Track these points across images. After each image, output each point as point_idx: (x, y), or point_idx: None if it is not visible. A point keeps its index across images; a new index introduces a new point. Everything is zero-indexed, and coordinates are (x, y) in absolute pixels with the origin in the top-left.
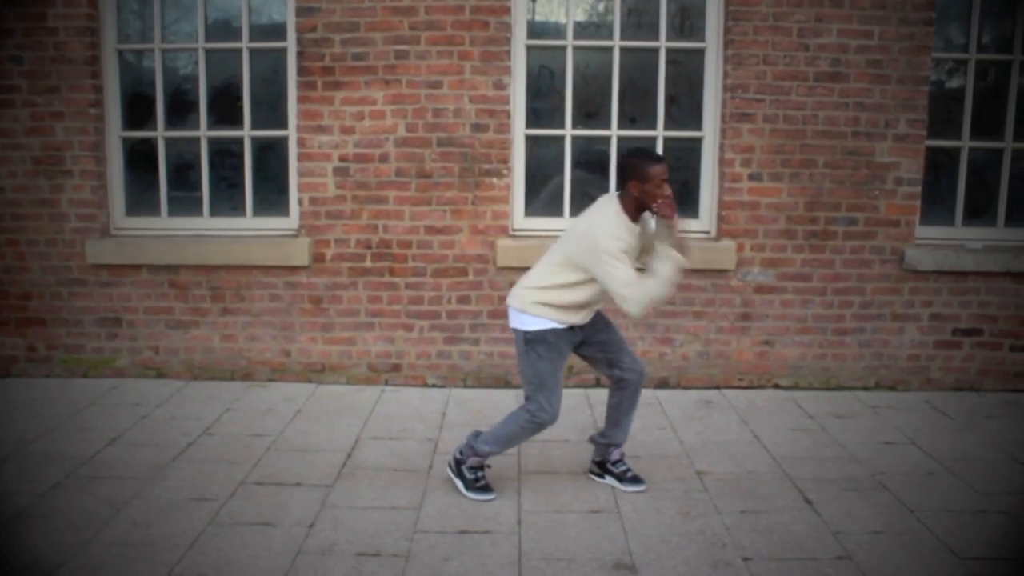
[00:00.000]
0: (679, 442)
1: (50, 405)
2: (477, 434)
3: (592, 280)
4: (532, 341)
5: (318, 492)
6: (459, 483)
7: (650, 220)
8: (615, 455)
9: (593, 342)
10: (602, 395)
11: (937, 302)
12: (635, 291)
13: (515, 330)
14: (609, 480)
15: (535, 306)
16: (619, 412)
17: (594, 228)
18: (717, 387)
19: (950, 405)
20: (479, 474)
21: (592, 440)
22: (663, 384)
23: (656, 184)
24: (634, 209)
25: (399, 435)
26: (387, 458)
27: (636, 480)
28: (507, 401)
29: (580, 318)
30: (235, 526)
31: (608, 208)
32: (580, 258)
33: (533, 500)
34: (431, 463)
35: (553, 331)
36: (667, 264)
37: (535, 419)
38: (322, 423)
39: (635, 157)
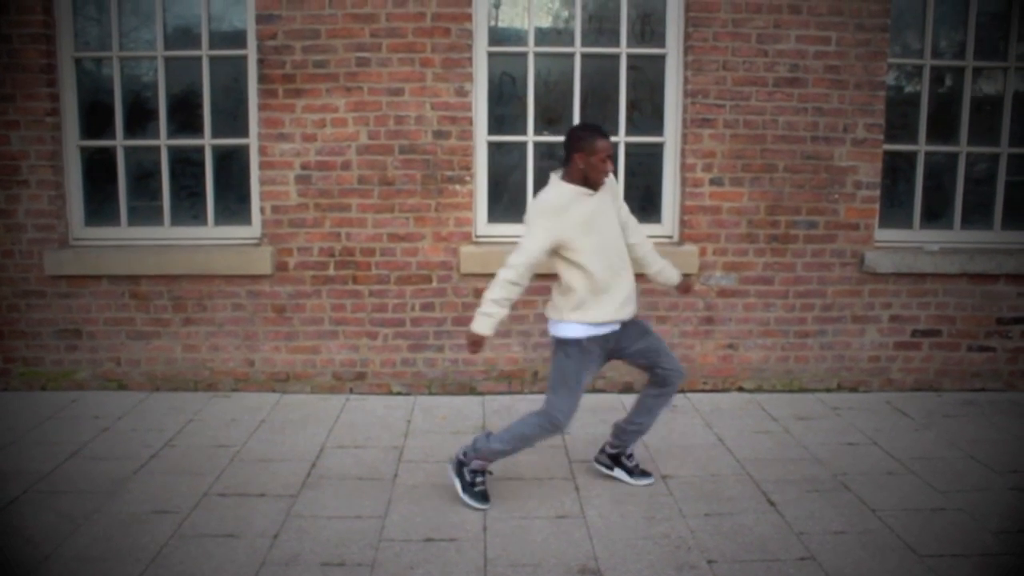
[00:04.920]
0: (644, 446)
1: (7, 419)
2: (488, 434)
3: (581, 251)
4: (563, 342)
5: (282, 502)
6: (457, 483)
7: (609, 185)
8: (628, 450)
9: (632, 350)
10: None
11: (896, 304)
12: (514, 268)
13: (553, 338)
14: (618, 472)
15: (569, 313)
16: (657, 403)
17: (534, 200)
18: (681, 391)
19: (910, 405)
20: (479, 478)
21: (617, 426)
22: (627, 389)
23: (601, 159)
24: (580, 181)
25: (364, 444)
26: (352, 467)
27: (645, 474)
28: (472, 408)
29: (612, 309)
30: (198, 538)
31: (552, 182)
32: (554, 241)
33: (499, 506)
34: (396, 471)
35: (588, 338)
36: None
37: (551, 419)
38: (286, 433)
39: (584, 130)
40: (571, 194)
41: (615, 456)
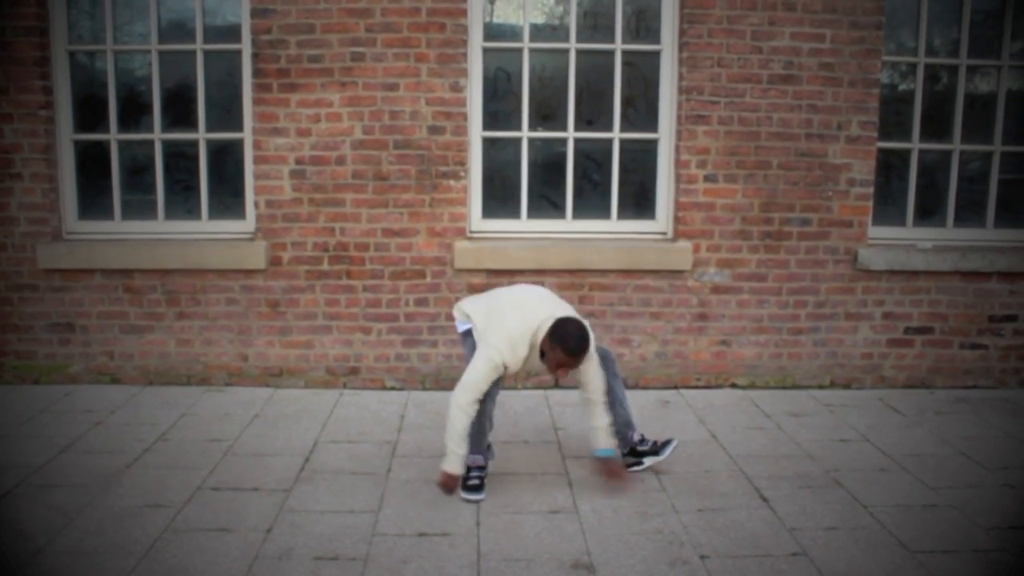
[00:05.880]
0: None
1: (0, 413)
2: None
3: None
4: (468, 333)
5: (276, 497)
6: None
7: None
8: (636, 437)
9: None
10: (560, 396)
11: (889, 301)
12: (464, 397)
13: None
14: (648, 460)
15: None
16: (610, 394)
17: (498, 332)
18: (675, 387)
19: (902, 402)
20: (472, 473)
21: (615, 434)
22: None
23: (557, 362)
24: (541, 353)
25: (357, 438)
26: (345, 461)
27: (666, 444)
28: None
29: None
30: (191, 532)
31: (529, 330)
32: (484, 333)
33: (492, 501)
34: (389, 466)
35: None
36: (458, 452)
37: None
38: (280, 427)
39: (565, 327)
40: (516, 351)
41: (632, 452)
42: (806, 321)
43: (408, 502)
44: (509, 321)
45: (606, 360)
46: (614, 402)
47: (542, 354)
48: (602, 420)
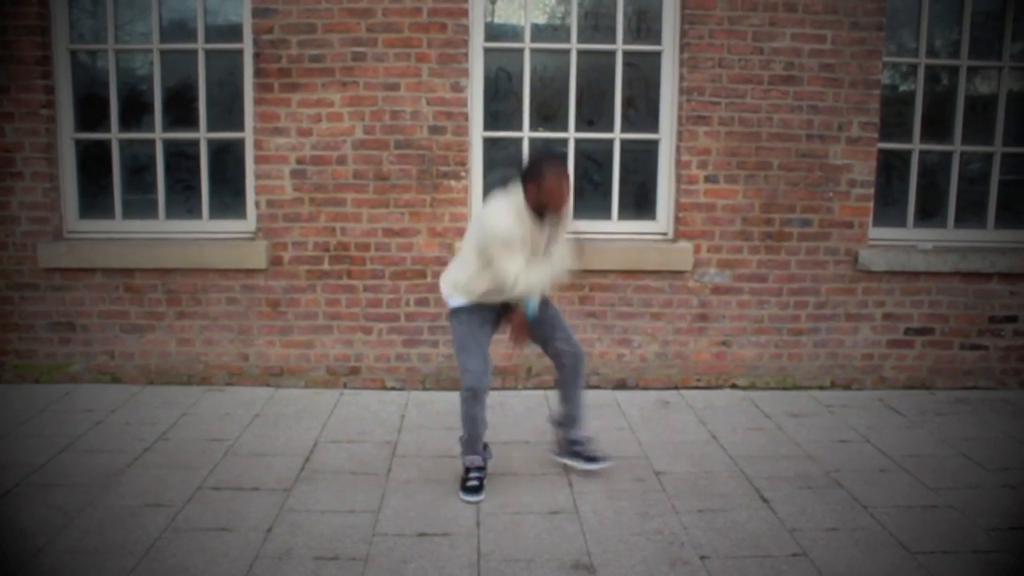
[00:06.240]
0: (637, 443)
1: (0, 412)
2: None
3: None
4: (453, 311)
5: (276, 496)
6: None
7: (560, 227)
8: (581, 434)
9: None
10: None
11: (890, 302)
12: (521, 275)
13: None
14: (573, 461)
15: (457, 291)
16: (565, 388)
17: (488, 214)
18: (675, 388)
19: (902, 403)
20: (471, 474)
21: (551, 422)
22: (621, 385)
23: (551, 187)
24: (535, 204)
25: (358, 438)
26: (346, 461)
27: (602, 459)
28: None
29: (486, 297)
30: (191, 532)
31: (509, 198)
32: (479, 242)
33: (492, 501)
34: (390, 466)
35: (471, 304)
36: (550, 266)
37: (463, 384)
38: (280, 427)
39: (538, 161)
40: (517, 217)
41: (565, 444)
42: (806, 322)
43: (408, 502)
44: (488, 217)
45: (578, 359)
46: (574, 400)
47: (536, 205)
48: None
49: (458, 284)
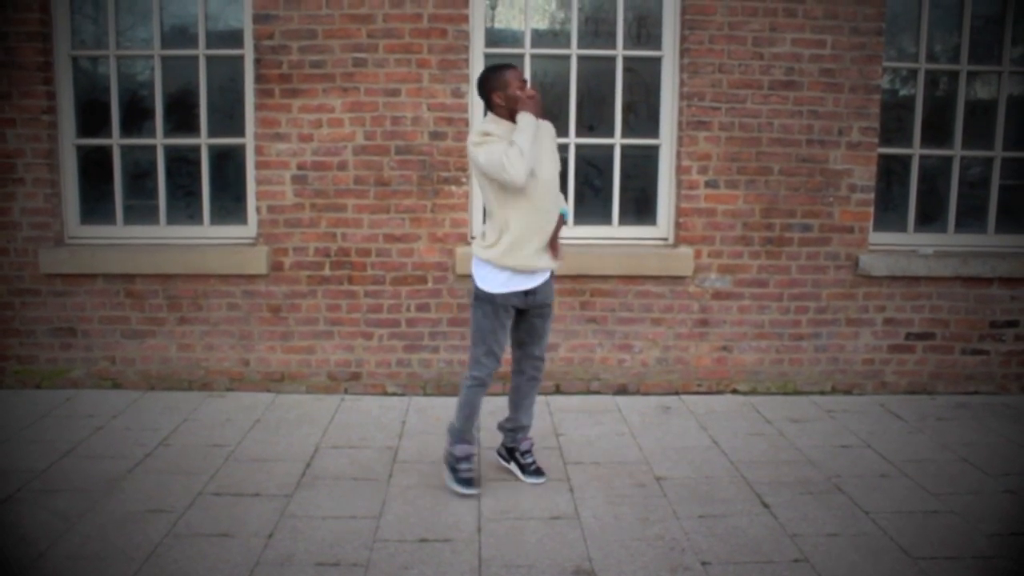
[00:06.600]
0: (638, 448)
1: (1, 418)
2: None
3: (512, 196)
4: (478, 296)
5: (277, 502)
6: (447, 475)
7: (545, 130)
8: (525, 445)
9: (527, 320)
10: (562, 402)
11: (890, 307)
12: (509, 154)
13: (472, 277)
14: (512, 467)
15: (489, 250)
16: (518, 396)
17: (470, 137)
18: (676, 393)
19: (903, 408)
20: (463, 465)
21: (500, 427)
22: (622, 390)
23: (517, 86)
24: (508, 118)
25: (359, 444)
26: (347, 467)
27: (538, 473)
28: None
29: (524, 257)
30: (192, 537)
31: (483, 122)
32: (476, 167)
33: (493, 507)
34: (391, 472)
35: (502, 295)
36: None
37: (471, 373)
38: (281, 432)
39: (489, 71)
40: (494, 124)
41: (510, 450)
42: (807, 327)
43: (409, 508)
44: (470, 137)
45: (541, 372)
46: (527, 409)
47: (509, 114)
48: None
49: (491, 244)
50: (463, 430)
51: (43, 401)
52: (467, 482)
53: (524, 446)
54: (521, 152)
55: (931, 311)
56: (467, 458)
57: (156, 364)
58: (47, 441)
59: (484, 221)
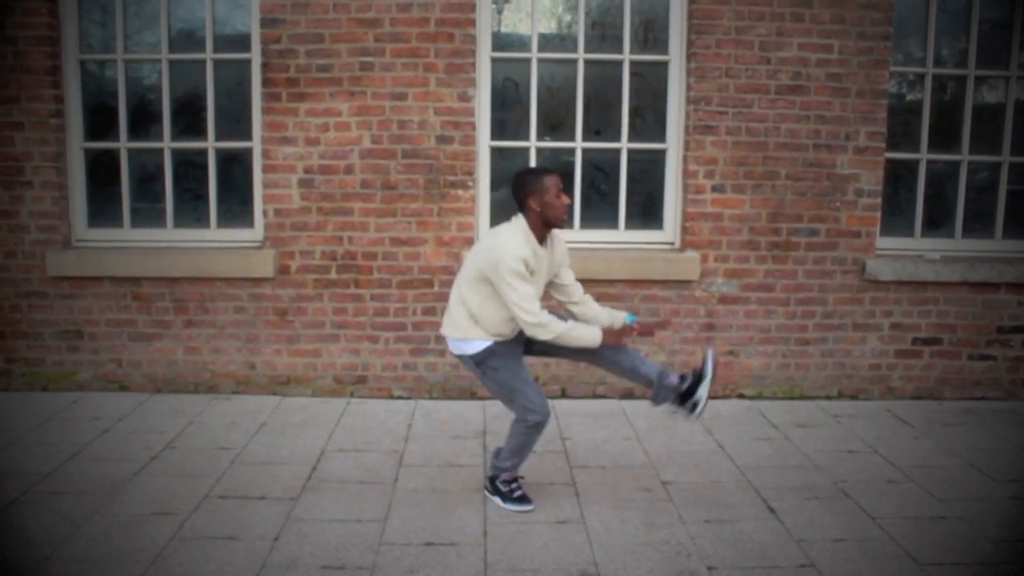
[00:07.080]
0: (644, 452)
1: (8, 420)
2: (497, 452)
3: (499, 305)
4: (481, 361)
5: (283, 505)
6: (497, 499)
7: (558, 244)
8: (674, 380)
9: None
10: (568, 405)
11: (897, 312)
12: (538, 314)
13: (460, 356)
14: (702, 391)
15: (474, 329)
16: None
17: (497, 244)
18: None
19: (910, 413)
20: (513, 486)
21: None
22: (628, 395)
23: (554, 194)
24: (540, 226)
25: (365, 447)
26: (353, 470)
27: (704, 364)
28: (473, 413)
29: (502, 329)
30: (198, 540)
31: (514, 226)
32: (487, 273)
33: (498, 511)
34: (397, 475)
35: (496, 343)
36: (590, 329)
37: (528, 422)
38: (287, 436)
39: (526, 174)
40: (529, 247)
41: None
42: (814, 332)
43: (415, 511)
44: (500, 243)
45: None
46: (641, 364)
47: (544, 221)
48: (599, 306)
49: (474, 317)
50: (515, 467)
51: (49, 403)
52: (521, 500)
53: (674, 381)
54: (550, 333)
55: (938, 316)
56: (513, 480)
57: (162, 367)
58: (53, 443)
59: (448, 310)
